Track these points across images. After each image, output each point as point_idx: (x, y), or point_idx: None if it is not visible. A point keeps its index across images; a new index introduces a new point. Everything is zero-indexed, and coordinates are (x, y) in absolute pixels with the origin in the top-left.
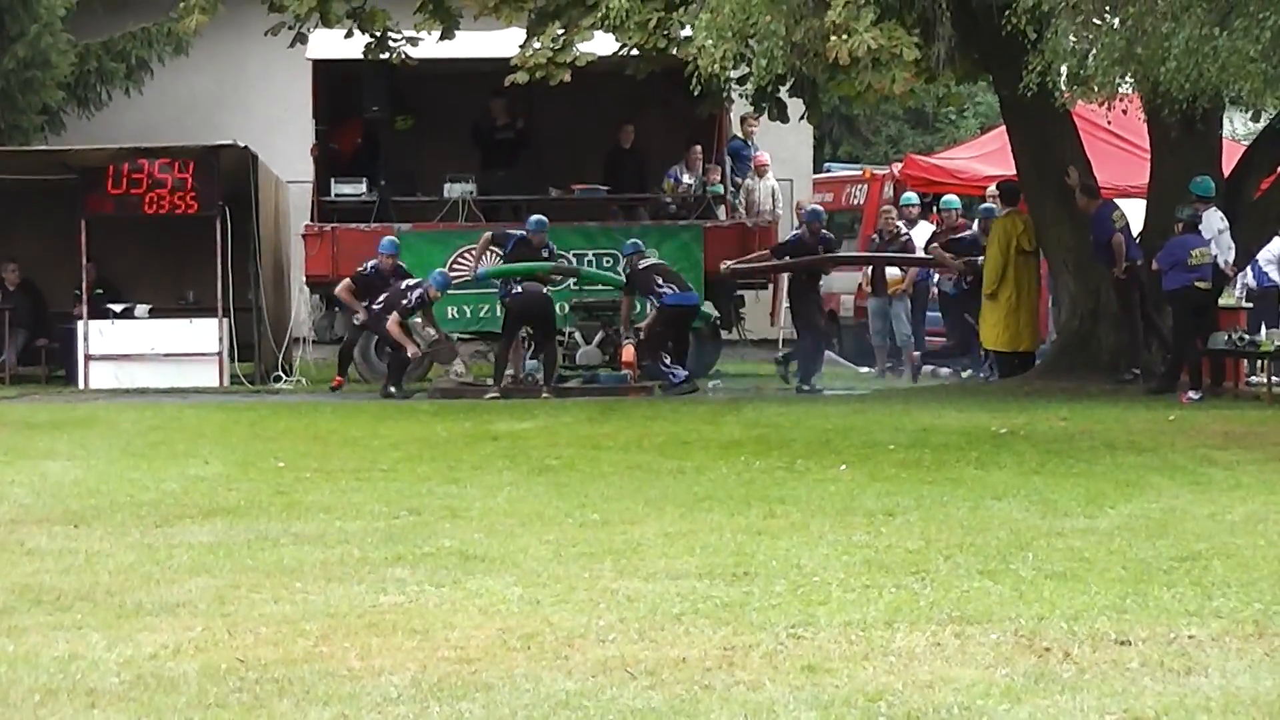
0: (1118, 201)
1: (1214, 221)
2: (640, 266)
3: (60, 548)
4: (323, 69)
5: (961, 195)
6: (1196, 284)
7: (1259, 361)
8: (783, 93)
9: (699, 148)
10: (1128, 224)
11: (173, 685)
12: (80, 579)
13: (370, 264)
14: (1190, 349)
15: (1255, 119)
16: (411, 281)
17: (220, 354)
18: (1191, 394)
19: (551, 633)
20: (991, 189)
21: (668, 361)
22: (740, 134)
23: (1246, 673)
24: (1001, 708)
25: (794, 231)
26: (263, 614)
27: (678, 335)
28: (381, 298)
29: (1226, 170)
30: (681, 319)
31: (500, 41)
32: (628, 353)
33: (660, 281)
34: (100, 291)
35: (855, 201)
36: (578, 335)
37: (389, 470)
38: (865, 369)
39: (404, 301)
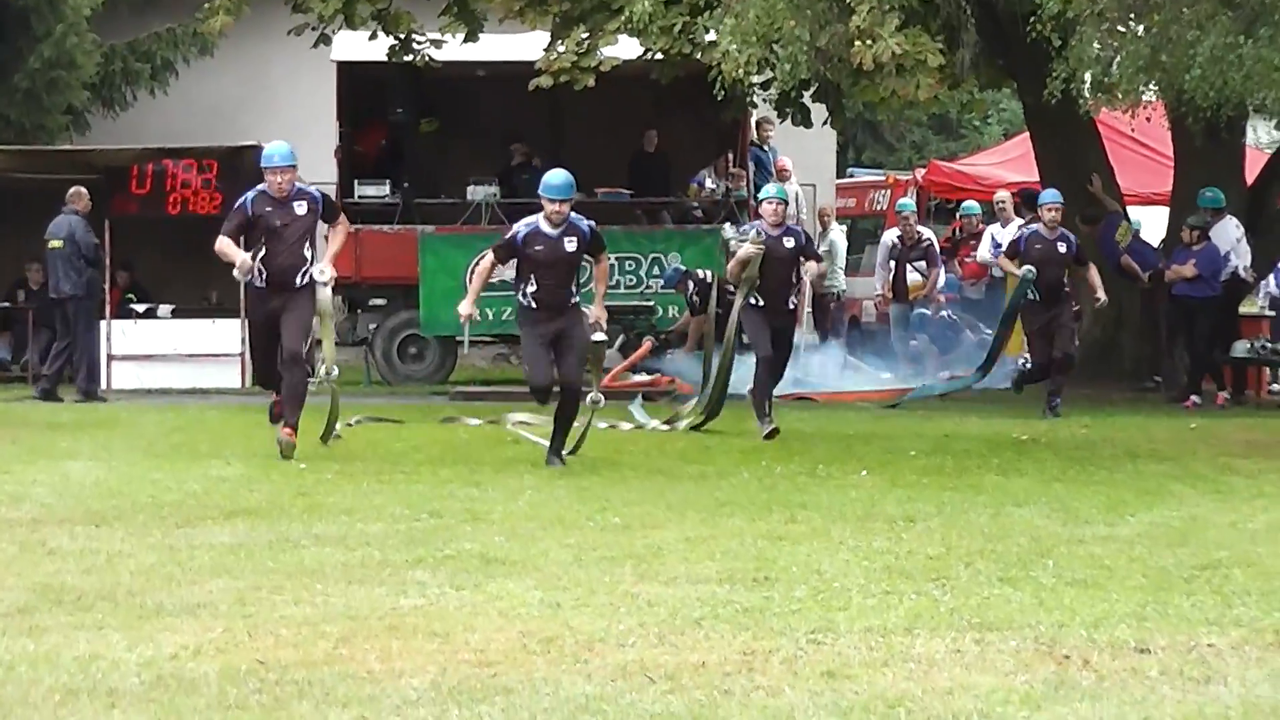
0: (1135, 211)
1: (1231, 230)
2: (708, 280)
3: (82, 548)
4: (347, 71)
5: (984, 202)
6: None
7: None
8: (806, 98)
9: (730, 155)
10: (1136, 233)
11: (193, 686)
12: (101, 579)
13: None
14: (1212, 356)
15: (1279, 127)
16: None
17: (242, 354)
18: (1195, 398)
19: (571, 636)
20: (999, 196)
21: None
22: (756, 139)
23: (1266, 682)
24: (1021, 715)
25: None
26: (283, 616)
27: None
28: None
29: (1250, 178)
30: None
31: (525, 45)
32: (644, 350)
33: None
34: (131, 295)
35: (879, 207)
36: None
37: (410, 473)
38: (886, 374)
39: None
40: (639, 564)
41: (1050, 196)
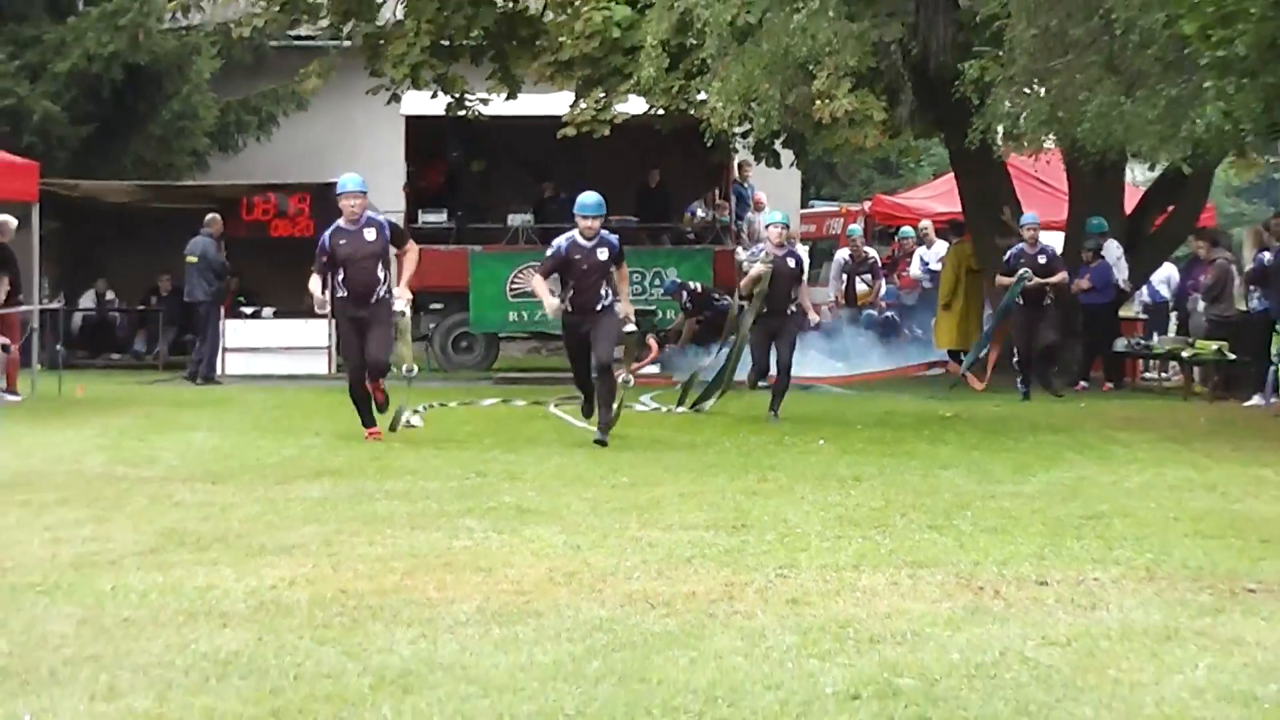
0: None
1: (1113, 250)
2: (698, 290)
3: (200, 500)
4: (413, 122)
5: (917, 228)
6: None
7: (1152, 361)
8: (777, 145)
9: (717, 190)
10: None
11: (288, 610)
12: (216, 525)
13: (563, 240)
14: (1102, 350)
15: (1152, 169)
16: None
17: (329, 348)
18: (1083, 383)
19: (589, 571)
20: (922, 223)
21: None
22: (739, 178)
23: (1140, 608)
24: (945, 634)
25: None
26: (360, 554)
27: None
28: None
29: (1129, 209)
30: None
31: (554, 102)
32: (655, 351)
33: (718, 296)
34: (241, 299)
35: (833, 232)
36: None
37: (461, 441)
38: (839, 364)
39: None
40: (642, 514)
41: (1029, 219)
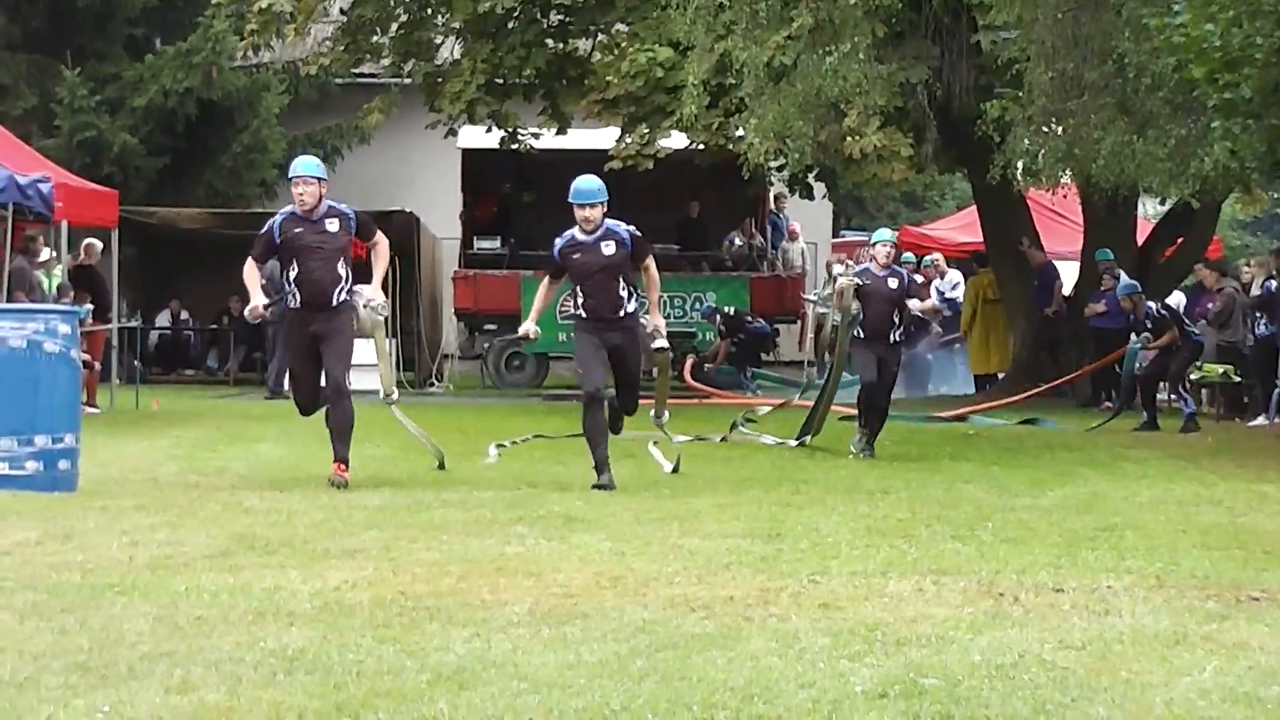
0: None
1: (1122, 279)
2: (731, 313)
3: (268, 507)
4: (469, 155)
5: (946, 257)
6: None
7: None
8: (810, 178)
9: (753, 220)
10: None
11: (351, 610)
12: (283, 531)
13: (560, 239)
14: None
15: (1162, 204)
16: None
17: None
18: (1108, 403)
19: (633, 576)
20: (934, 256)
21: (748, 373)
22: (774, 209)
23: (1150, 615)
24: (967, 637)
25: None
26: (418, 559)
27: (757, 352)
28: None
29: (1140, 241)
30: (762, 342)
31: (601, 137)
32: (687, 366)
33: (750, 319)
34: None
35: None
36: None
37: (513, 454)
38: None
39: None
40: (683, 523)
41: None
